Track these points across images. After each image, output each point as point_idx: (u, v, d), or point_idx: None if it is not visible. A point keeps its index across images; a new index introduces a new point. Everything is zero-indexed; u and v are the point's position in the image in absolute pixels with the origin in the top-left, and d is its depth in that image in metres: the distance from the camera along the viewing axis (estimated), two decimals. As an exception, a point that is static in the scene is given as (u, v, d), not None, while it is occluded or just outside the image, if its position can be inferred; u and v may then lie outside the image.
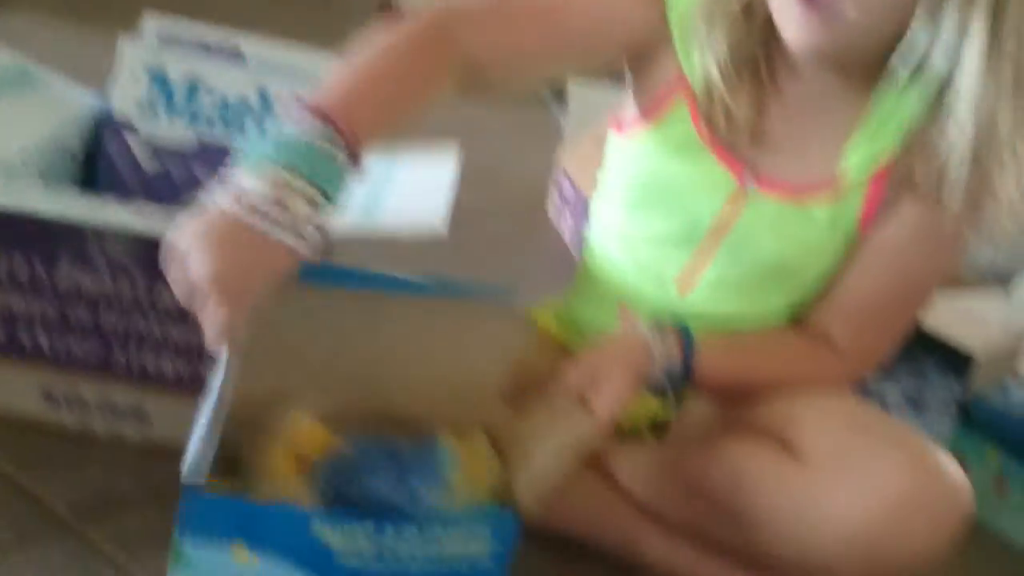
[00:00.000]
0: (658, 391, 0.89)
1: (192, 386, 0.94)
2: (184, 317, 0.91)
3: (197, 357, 0.95)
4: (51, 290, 0.92)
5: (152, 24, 1.15)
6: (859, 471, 0.83)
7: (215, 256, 0.67)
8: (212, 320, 0.69)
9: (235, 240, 0.68)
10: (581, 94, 1.89)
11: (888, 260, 0.93)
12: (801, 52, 0.86)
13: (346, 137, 0.73)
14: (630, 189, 0.97)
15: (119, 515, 0.89)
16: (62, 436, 0.96)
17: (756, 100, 0.90)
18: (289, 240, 0.69)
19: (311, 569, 0.76)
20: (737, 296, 0.96)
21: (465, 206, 0.97)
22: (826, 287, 0.95)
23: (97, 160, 1.13)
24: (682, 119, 0.92)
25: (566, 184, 1.71)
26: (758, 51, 0.90)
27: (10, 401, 0.96)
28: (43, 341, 0.94)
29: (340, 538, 0.76)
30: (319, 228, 0.72)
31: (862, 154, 0.90)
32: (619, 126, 0.99)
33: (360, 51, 0.80)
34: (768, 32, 0.88)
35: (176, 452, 0.95)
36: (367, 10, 3.53)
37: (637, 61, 0.94)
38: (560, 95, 1.99)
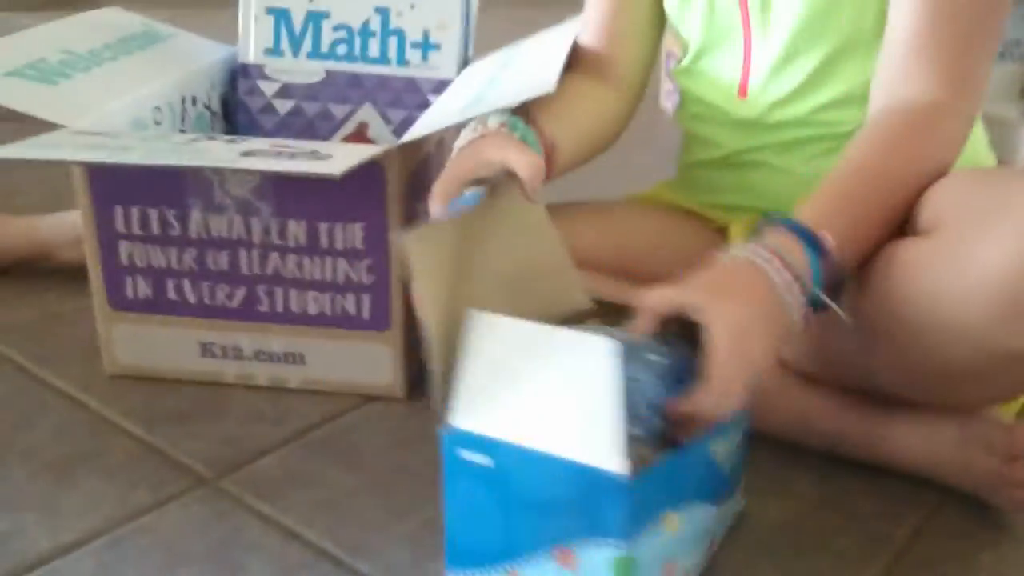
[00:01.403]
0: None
1: (338, 322, 0.93)
2: (317, 252, 0.91)
3: (339, 292, 0.92)
4: (186, 239, 0.92)
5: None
6: (999, 222, 0.68)
7: None
8: None
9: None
10: None
11: None
12: None
13: None
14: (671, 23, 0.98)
15: (258, 464, 0.88)
16: (199, 393, 0.96)
17: None
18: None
19: (711, 496, 0.71)
20: (790, 66, 0.90)
21: None
22: (880, 39, 0.84)
23: (233, 107, 1.13)
24: None
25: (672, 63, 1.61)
26: None
27: (169, 359, 0.97)
28: (189, 293, 0.94)
29: (722, 447, 0.70)
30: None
31: None
32: None
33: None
34: None
35: (333, 393, 0.95)
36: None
37: None
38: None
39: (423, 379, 0.94)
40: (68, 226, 1.13)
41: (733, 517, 0.78)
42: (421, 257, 0.68)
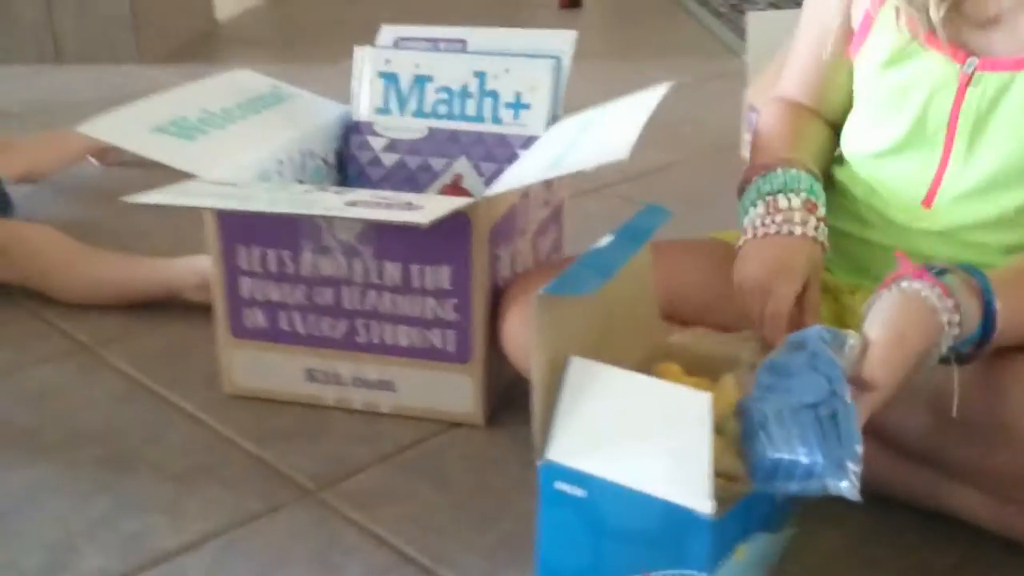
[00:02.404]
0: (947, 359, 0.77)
1: (425, 354, 1.03)
2: (409, 291, 1.01)
3: (427, 327, 1.02)
4: (298, 277, 1.03)
5: (387, 31, 1.26)
6: None
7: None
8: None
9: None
10: (760, 21, 1.80)
11: None
12: None
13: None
14: (861, 105, 0.97)
15: (355, 479, 0.97)
16: (304, 414, 1.06)
17: None
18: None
19: (772, 525, 0.76)
20: (985, 197, 0.89)
21: (654, 163, 0.97)
22: None
23: (346, 160, 1.25)
24: (891, 23, 0.92)
25: (755, 118, 1.64)
26: None
27: (279, 383, 1.08)
28: (299, 324, 1.05)
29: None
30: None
31: None
32: (845, 52, 0.97)
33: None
34: None
35: (421, 419, 1.05)
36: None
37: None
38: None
39: (501, 408, 1.03)
40: (193, 271, 1.25)
41: (786, 543, 0.83)
42: (549, 321, 0.71)
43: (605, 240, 0.78)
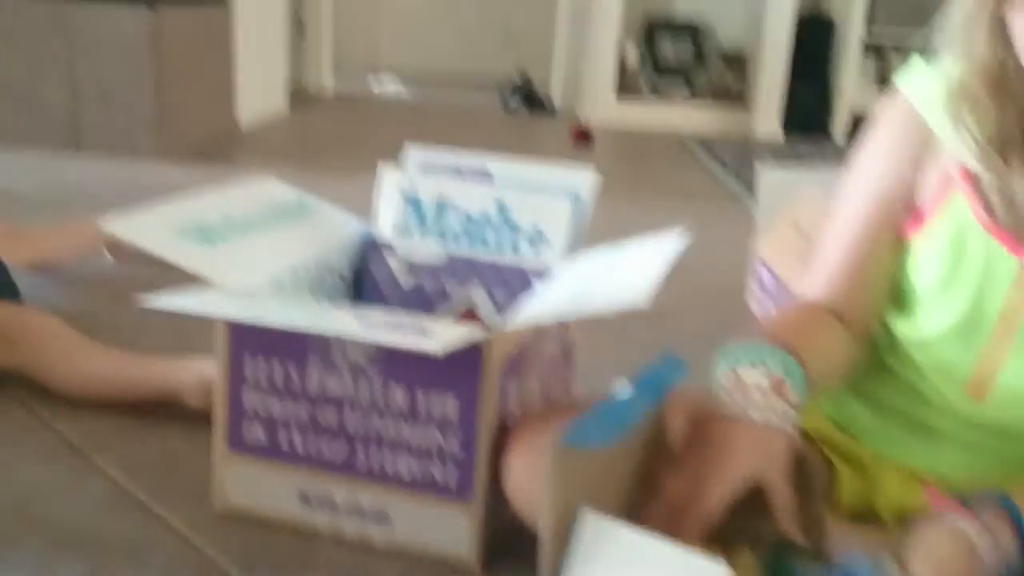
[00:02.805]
0: None
1: (424, 487, 0.99)
2: (414, 418, 0.99)
3: (429, 458, 0.99)
4: (303, 393, 1.01)
5: (413, 153, 1.27)
6: None
7: None
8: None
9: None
10: (771, 178, 1.81)
11: None
12: None
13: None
14: (917, 290, 0.93)
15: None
16: (294, 542, 1.02)
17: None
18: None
19: None
20: None
21: (663, 305, 0.96)
22: None
23: (363, 277, 1.25)
24: (960, 209, 0.89)
25: (765, 273, 1.64)
26: (1019, 127, 0.84)
27: (271, 503, 1.04)
28: (298, 443, 1.02)
29: None
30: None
31: None
32: (903, 230, 0.94)
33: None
34: None
35: (413, 557, 1.00)
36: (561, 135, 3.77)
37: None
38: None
39: (499, 553, 0.99)
40: (195, 375, 1.23)
41: None
42: (562, 473, 0.69)
43: (622, 391, 0.76)
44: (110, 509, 1.07)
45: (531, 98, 4.71)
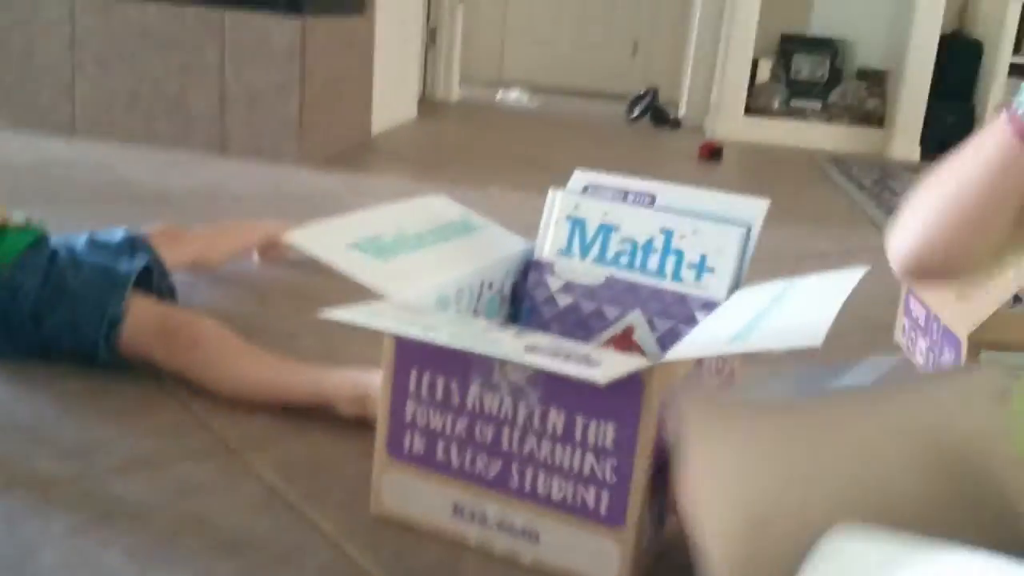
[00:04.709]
0: None
1: (576, 510, 0.98)
2: (570, 442, 0.98)
3: (582, 483, 0.98)
4: (462, 409, 1.01)
5: (580, 176, 1.27)
6: None
7: None
8: None
9: None
10: None
11: None
12: None
13: None
14: None
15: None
16: (444, 553, 1.03)
17: None
18: None
19: None
20: None
21: None
22: None
23: (522, 295, 1.25)
24: None
25: (914, 303, 1.56)
26: None
27: (425, 512, 1.05)
28: (454, 456, 1.03)
29: None
30: None
31: None
32: None
33: None
34: None
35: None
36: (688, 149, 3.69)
37: None
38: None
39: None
40: (349, 384, 1.25)
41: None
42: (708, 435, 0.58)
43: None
44: (262, 509, 1.09)
45: (657, 111, 4.68)
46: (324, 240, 1.03)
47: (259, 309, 1.69)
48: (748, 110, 4.45)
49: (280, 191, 2.63)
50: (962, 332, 1.53)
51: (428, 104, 4.57)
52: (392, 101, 3.79)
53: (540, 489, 1.00)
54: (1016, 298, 1.50)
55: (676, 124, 4.64)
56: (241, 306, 1.71)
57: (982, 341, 1.50)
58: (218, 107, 2.93)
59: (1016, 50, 4.16)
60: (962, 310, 1.56)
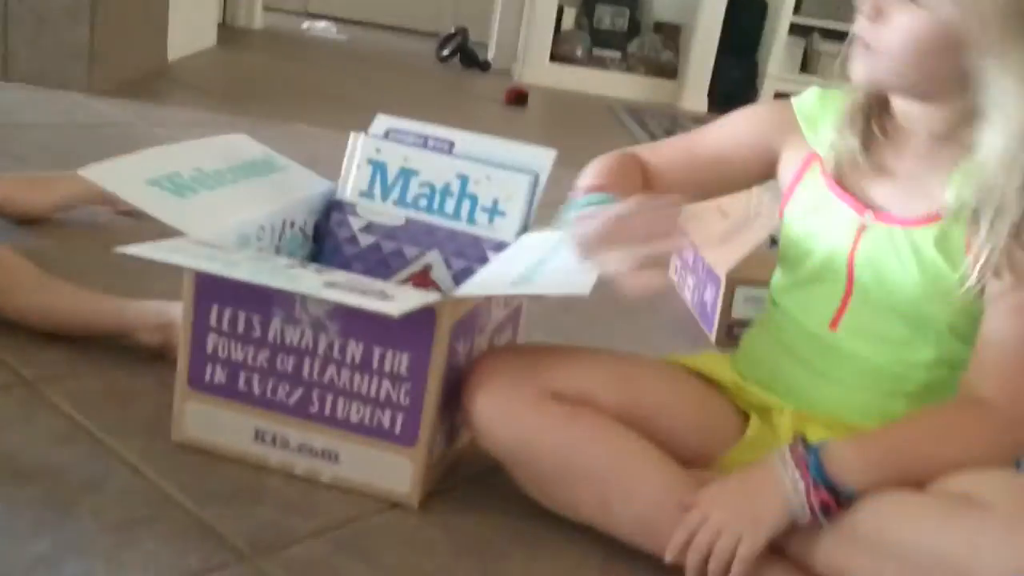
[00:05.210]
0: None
1: (372, 432, 1.06)
2: (367, 371, 1.05)
3: (379, 407, 1.06)
4: (264, 342, 1.06)
5: (382, 120, 1.32)
6: None
7: None
8: None
9: None
10: None
11: (1013, 303, 1.00)
12: (860, 83, 1.05)
13: None
14: (787, 247, 1.16)
15: (290, 551, 0.99)
16: (244, 475, 1.08)
17: (872, 154, 1.09)
18: None
19: None
20: (876, 335, 1.08)
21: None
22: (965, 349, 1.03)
23: (324, 233, 1.30)
24: (815, 181, 1.12)
25: (688, 249, 1.74)
26: (872, 117, 1.09)
27: (227, 439, 1.10)
28: (255, 386, 1.08)
29: None
30: None
31: (959, 191, 1.02)
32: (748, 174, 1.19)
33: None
34: (878, 104, 1.09)
35: (358, 493, 1.08)
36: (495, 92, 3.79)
37: (778, 164, 1.17)
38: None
39: (436, 494, 1.06)
40: (152, 313, 1.26)
41: None
42: None
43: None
44: (63, 440, 1.10)
45: (467, 53, 4.72)
46: (120, 176, 1.04)
47: (56, 244, 1.64)
48: (553, 57, 4.57)
49: (71, 120, 2.51)
50: (722, 271, 1.70)
51: (228, 31, 4.40)
52: (189, 26, 3.65)
53: (339, 414, 1.07)
54: (772, 240, 1.69)
55: (485, 67, 4.69)
56: (40, 242, 1.66)
57: (738, 279, 1.69)
58: (0, 29, 2.74)
59: (796, 10, 4.47)
60: (723, 251, 1.74)
